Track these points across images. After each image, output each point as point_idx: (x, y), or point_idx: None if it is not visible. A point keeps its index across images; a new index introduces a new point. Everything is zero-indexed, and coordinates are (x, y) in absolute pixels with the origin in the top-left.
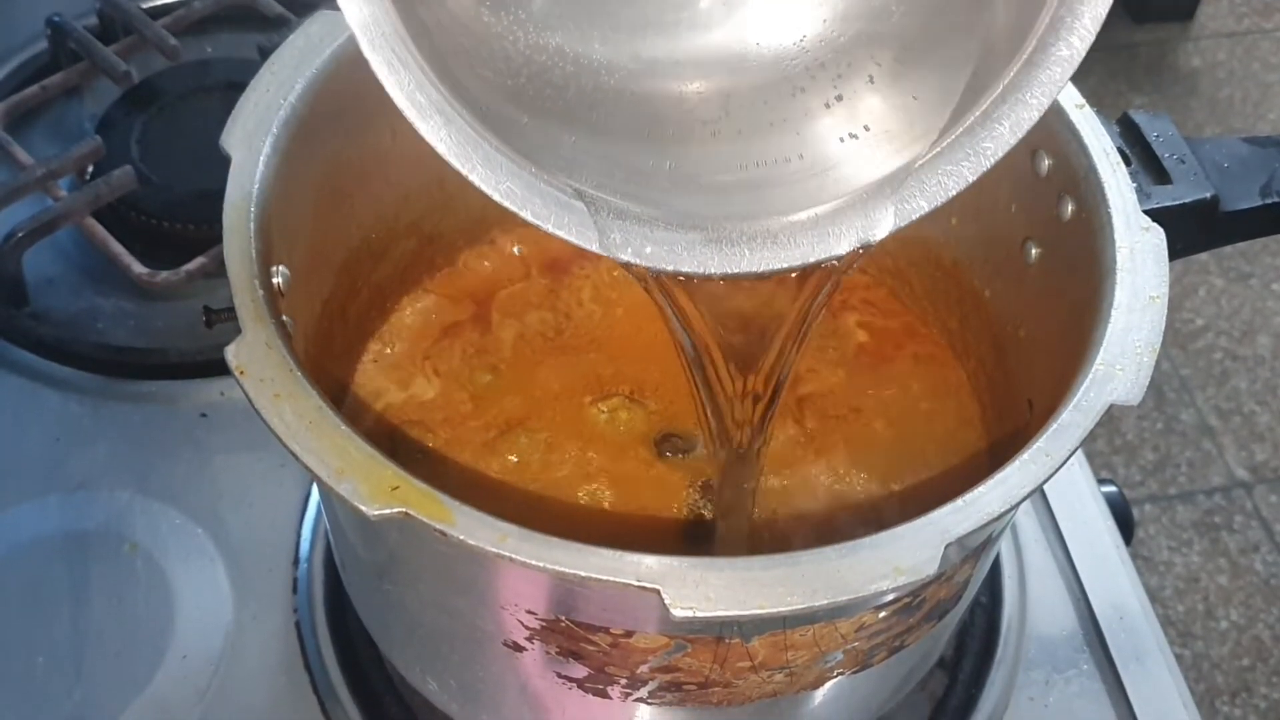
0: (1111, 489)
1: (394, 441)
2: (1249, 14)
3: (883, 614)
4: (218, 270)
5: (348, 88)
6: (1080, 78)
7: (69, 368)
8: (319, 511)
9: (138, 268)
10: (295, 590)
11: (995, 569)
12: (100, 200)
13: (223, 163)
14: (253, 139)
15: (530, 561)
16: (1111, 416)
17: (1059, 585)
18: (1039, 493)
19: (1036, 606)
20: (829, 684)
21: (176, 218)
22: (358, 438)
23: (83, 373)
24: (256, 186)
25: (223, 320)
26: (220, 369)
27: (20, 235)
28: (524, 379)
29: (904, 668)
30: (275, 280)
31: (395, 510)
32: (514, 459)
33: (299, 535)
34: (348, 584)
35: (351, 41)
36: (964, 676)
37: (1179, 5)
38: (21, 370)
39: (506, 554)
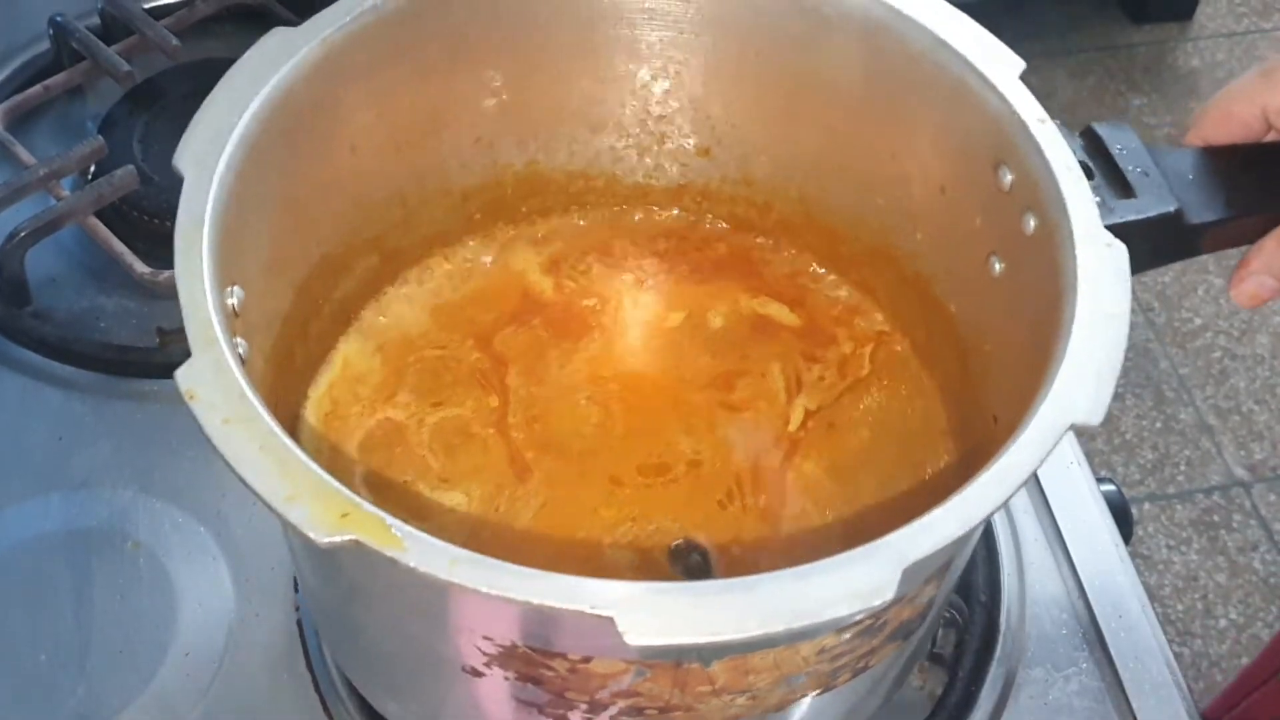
0: (1110, 488)
1: (358, 462)
2: (1248, 14)
3: (845, 636)
4: None
5: (304, 104)
6: (1079, 78)
7: (71, 366)
8: None
9: (140, 267)
10: (297, 588)
11: (994, 568)
12: (103, 200)
13: None
14: (205, 158)
15: (481, 589)
16: (1110, 415)
17: (1058, 584)
18: (1038, 491)
19: (1035, 605)
20: (793, 706)
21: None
22: (310, 463)
23: (85, 371)
24: (209, 206)
25: (174, 342)
26: None
27: (23, 234)
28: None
29: (869, 687)
30: (230, 301)
31: (345, 538)
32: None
33: None
34: (309, 604)
35: (307, 57)
36: (963, 674)
37: (1178, 5)
38: (24, 369)
39: (457, 581)
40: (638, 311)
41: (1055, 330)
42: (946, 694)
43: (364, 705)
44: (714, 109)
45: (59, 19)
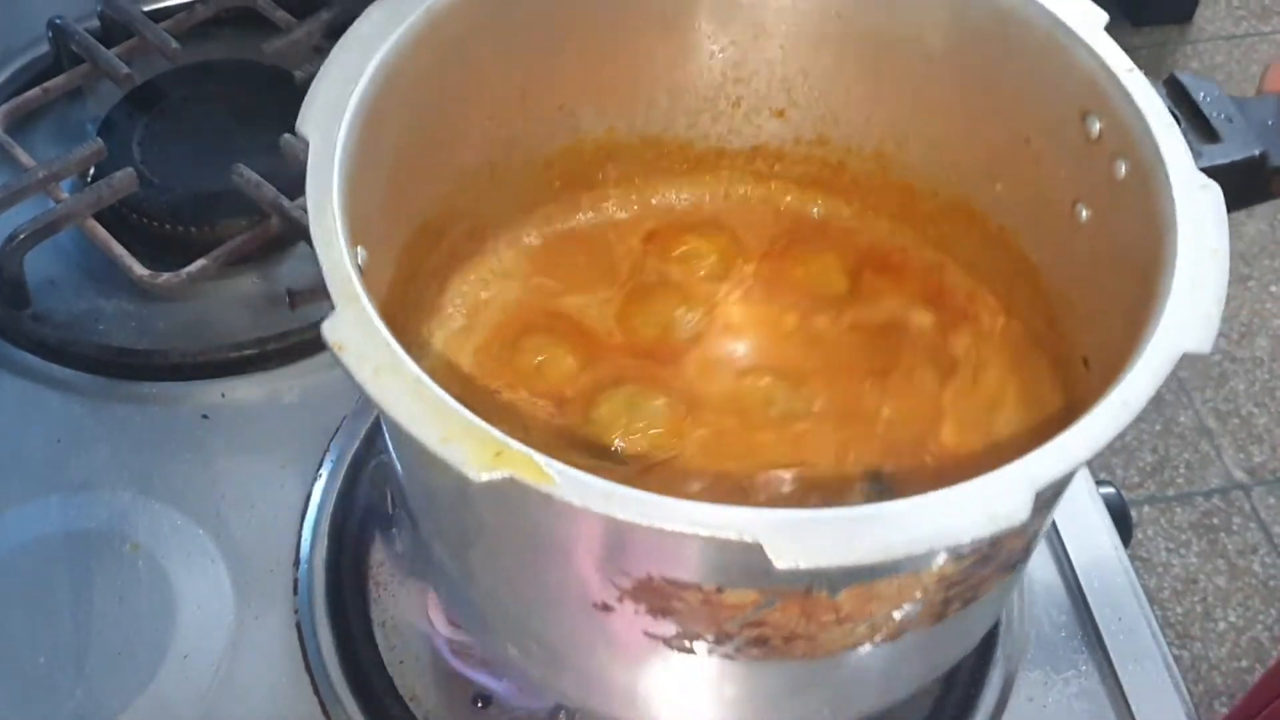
0: (1110, 490)
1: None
2: (1247, 17)
3: (964, 564)
4: (219, 273)
5: (410, 72)
6: None
7: (70, 369)
8: (320, 512)
9: (139, 269)
10: (296, 591)
11: None
12: (102, 202)
13: (224, 165)
14: (327, 124)
15: (635, 520)
16: None
17: (1057, 586)
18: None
19: (1034, 607)
20: (906, 634)
21: (178, 219)
22: (458, 406)
23: (84, 374)
24: (336, 168)
25: (306, 302)
26: (222, 370)
27: (22, 237)
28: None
29: (970, 621)
30: (358, 261)
31: (501, 475)
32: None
33: (300, 536)
34: (429, 552)
35: (413, 26)
36: (962, 677)
37: (1177, 8)
38: (23, 371)
39: (611, 514)
40: (744, 308)
41: (1156, 270)
42: (945, 696)
43: (365, 707)
44: (792, 72)
45: (58, 21)
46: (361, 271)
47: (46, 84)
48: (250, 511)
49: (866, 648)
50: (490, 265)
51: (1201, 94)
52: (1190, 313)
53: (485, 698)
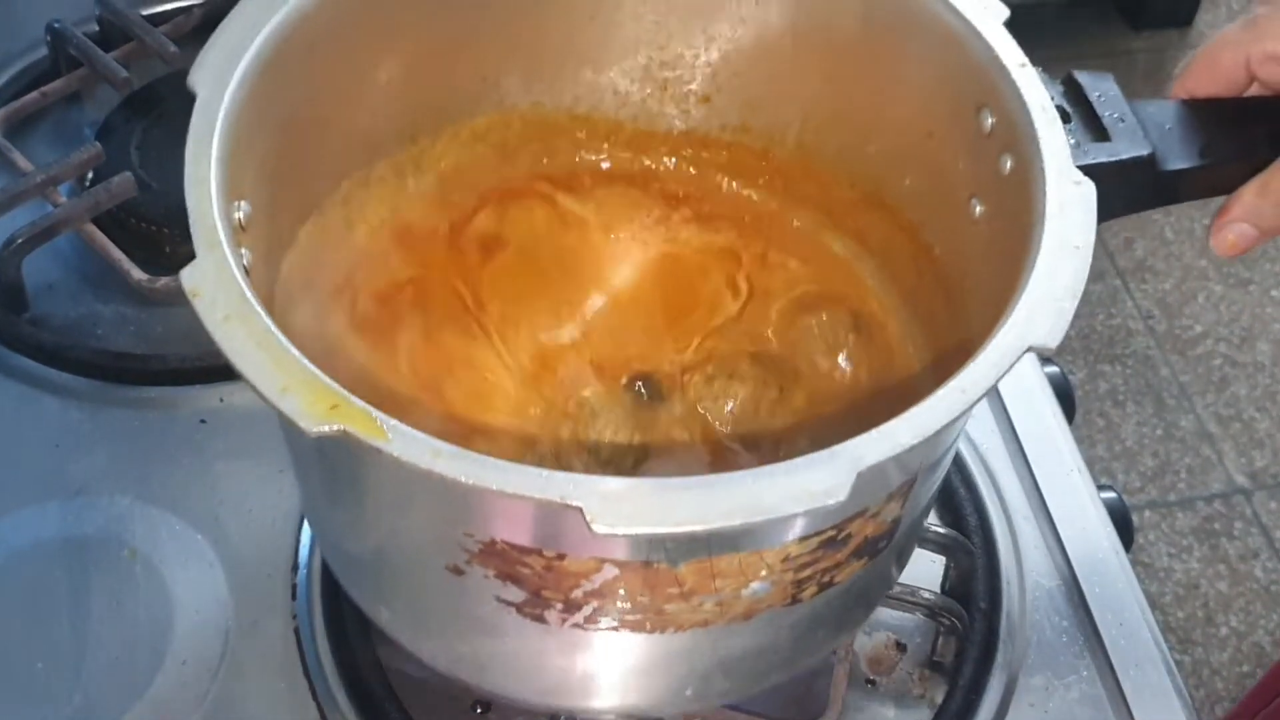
0: (1111, 495)
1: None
2: None
3: (808, 545)
4: None
5: (318, 30)
6: None
7: (68, 373)
8: None
9: (137, 274)
10: (294, 596)
11: (994, 575)
12: (100, 206)
13: None
14: (220, 75)
15: (458, 478)
16: (1111, 422)
17: (1059, 591)
18: (1038, 498)
19: (1036, 612)
20: (760, 615)
21: (176, 224)
22: (302, 359)
23: (82, 379)
24: (220, 120)
25: (186, 248)
26: (220, 375)
27: (20, 241)
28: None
29: (838, 605)
30: (237, 215)
31: (334, 427)
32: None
33: (298, 541)
34: (310, 521)
35: None
36: (963, 682)
37: (1177, 12)
38: (21, 376)
39: (436, 471)
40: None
41: (1023, 261)
42: (947, 702)
43: (363, 712)
44: (714, 57)
45: (57, 25)
46: (242, 226)
47: (44, 88)
48: (248, 516)
49: (720, 625)
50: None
51: (1097, 93)
52: (1042, 306)
53: (484, 704)
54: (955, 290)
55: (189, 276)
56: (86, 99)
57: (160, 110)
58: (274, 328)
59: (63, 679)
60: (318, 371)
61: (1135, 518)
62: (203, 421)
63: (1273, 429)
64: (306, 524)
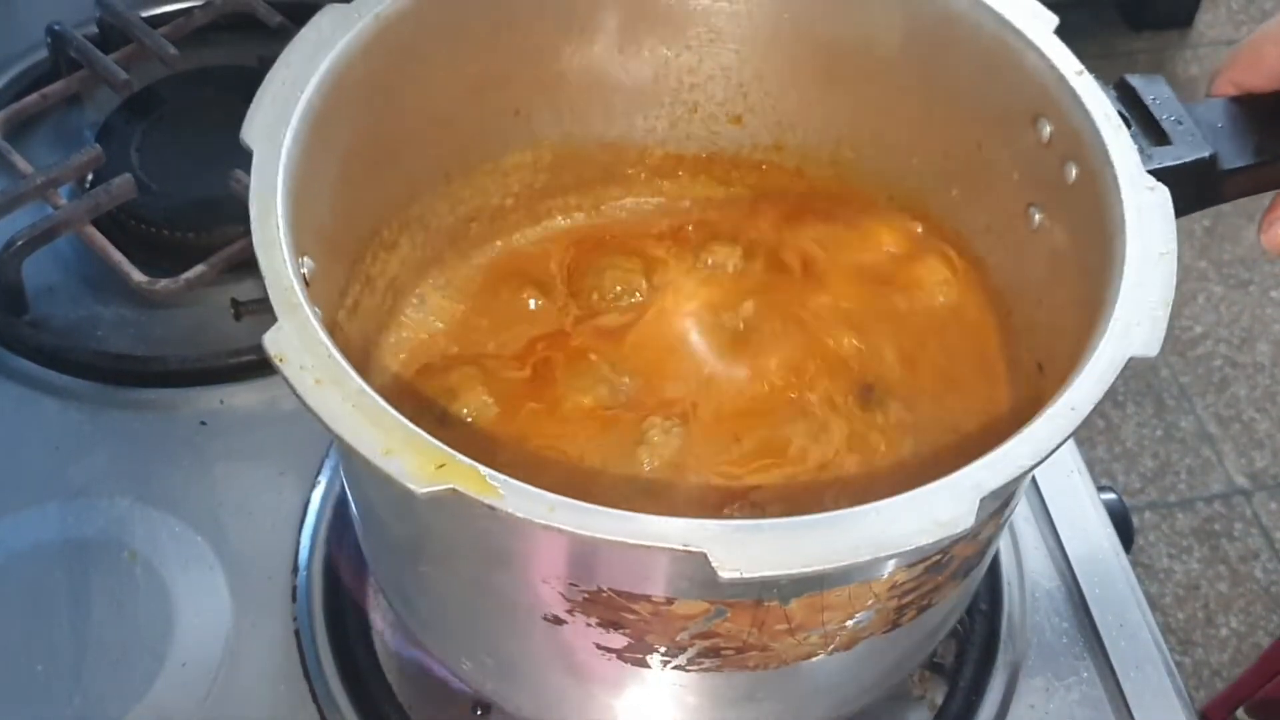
0: (1111, 496)
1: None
2: (1247, 21)
3: (915, 571)
4: (217, 279)
5: (359, 78)
6: None
7: (69, 375)
8: (319, 519)
9: (137, 276)
10: (295, 598)
11: (995, 576)
12: (100, 208)
13: (222, 171)
14: (273, 131)
15: (579, 532)
16: (1110, 424)
17: (1059, 592)
18: (1039, 500)
19: (1036, 613)
20: (861, 644)
21: (176, 226)
22: (400, 418)
23: (82, 380)
24: (280, 177)
25: (251, 313)
26: (219, 377)
27: (20, 243)
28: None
29: (928, 628)
30: (302, 271)
31: (443, 487)
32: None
33: (298, 543)
34: (375, 570)
35: (361, 33)
36: (964, 684)
37: (1177, 13)
38: (21, 378)
39: (555, 525)
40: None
41: (1105, 273)
42: (947, 703)
43: (363, 715)
44: (747, 76)
45: (57, 27)
46: (307, 282)
47: (45, 90)
48: (248, 518)
49: (821, 656)
50: (446, 277)
51: (1151, 96)
52: (1137, 316)
53: (484, 706)
54: (1014, 303)
55: (273, 343)
56: (86, 101)
57: (160, 112)
58: (368, 388)
59: (63, 681)
60: (418, 430)
61: (1135, 519)
62: (203, 423)
63: (1273, 430)
64: (305, 531)
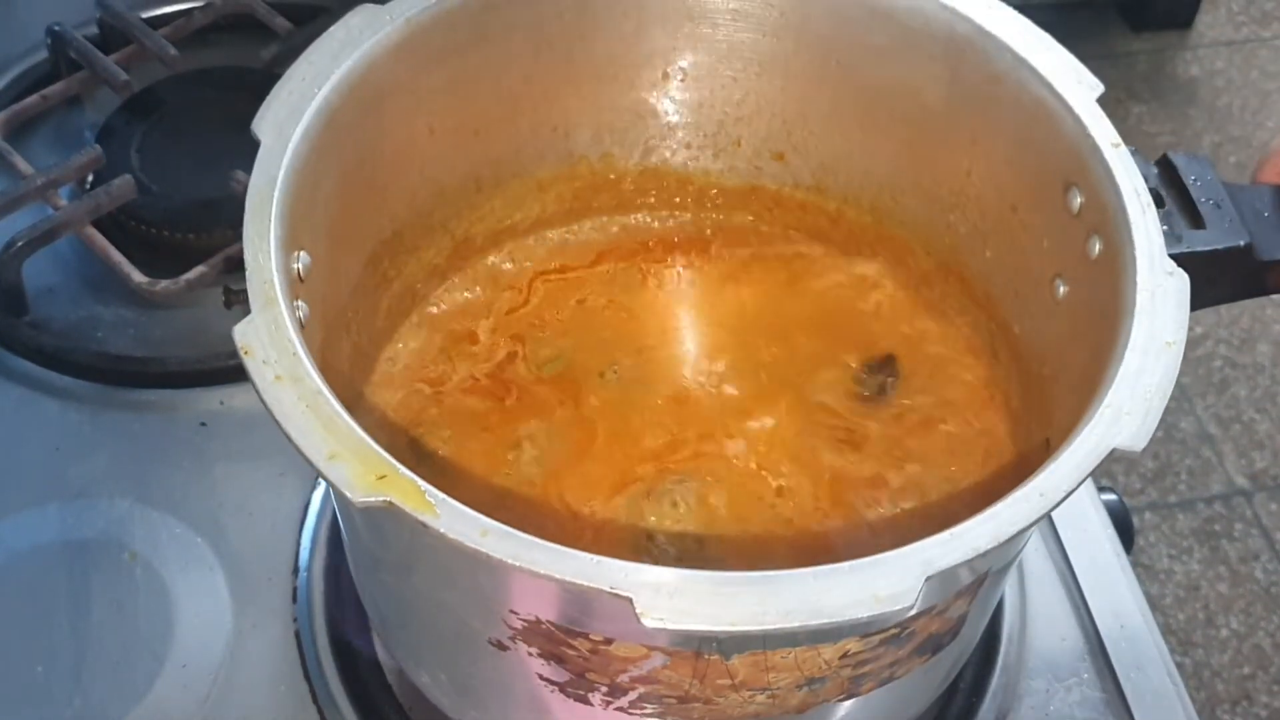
0: (1111, 497)
1: (413, 430)
2: (1247, 23)
3: (870, 642)
4: (218, 279)
5: (384, 81)
6: None
7: (69, 376)
8: (319, 520)
9: (138, 277)
10: (295, 600)
11: None
12: (100, 209)
13: (222, 172)
14: (283, 126)
15: (505, 560)
16: None
17: (1059, 593)
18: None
19: (1037, 615)
20: (816, 710)
21: (177, 227)
22: (353, 425)
23: (82, 381)
24: (282, 171)
25: (240, 302)
26: (220, 378)
27: (20, 244)
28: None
29: (897, 700)
30: (295, 265)
31: (380, 499)
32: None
33: (299, 544)
34: (353, 571)
35: (390, 35)
36: (964, 685)
37: (1177, 14)
38: (21, 379)
39: (484, 550)
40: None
41: (1109, 353)
42: (947, 704)
43: (363, 716)
44: (791, 114)
45: (57, 28)
46: (301, 277)
47: (45, 91)
48: (249, 520)
49: (772, 718)
50: (472, 285)
51: (1193, 177)
52: (1130, 405)
53: None
54: (1033, 376)
55: (241, 333)
56: (87, 102)
57: (161, 113)
58: (326, 390)
59: (63, 682)
60: (368, 439)
61: (1135, 519)
62: (203, 424)
63: (1273, 430)
64: (305, 532)
